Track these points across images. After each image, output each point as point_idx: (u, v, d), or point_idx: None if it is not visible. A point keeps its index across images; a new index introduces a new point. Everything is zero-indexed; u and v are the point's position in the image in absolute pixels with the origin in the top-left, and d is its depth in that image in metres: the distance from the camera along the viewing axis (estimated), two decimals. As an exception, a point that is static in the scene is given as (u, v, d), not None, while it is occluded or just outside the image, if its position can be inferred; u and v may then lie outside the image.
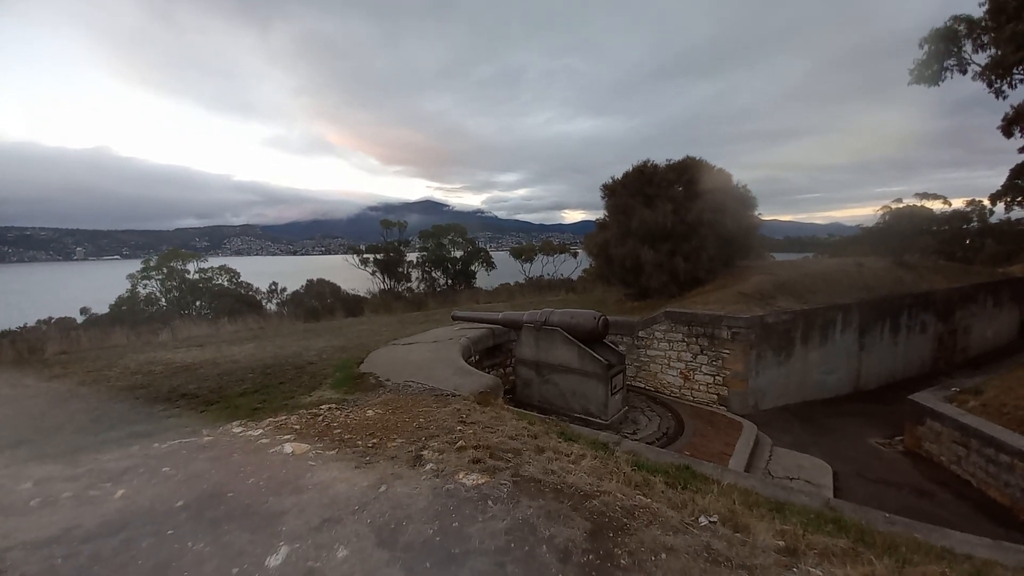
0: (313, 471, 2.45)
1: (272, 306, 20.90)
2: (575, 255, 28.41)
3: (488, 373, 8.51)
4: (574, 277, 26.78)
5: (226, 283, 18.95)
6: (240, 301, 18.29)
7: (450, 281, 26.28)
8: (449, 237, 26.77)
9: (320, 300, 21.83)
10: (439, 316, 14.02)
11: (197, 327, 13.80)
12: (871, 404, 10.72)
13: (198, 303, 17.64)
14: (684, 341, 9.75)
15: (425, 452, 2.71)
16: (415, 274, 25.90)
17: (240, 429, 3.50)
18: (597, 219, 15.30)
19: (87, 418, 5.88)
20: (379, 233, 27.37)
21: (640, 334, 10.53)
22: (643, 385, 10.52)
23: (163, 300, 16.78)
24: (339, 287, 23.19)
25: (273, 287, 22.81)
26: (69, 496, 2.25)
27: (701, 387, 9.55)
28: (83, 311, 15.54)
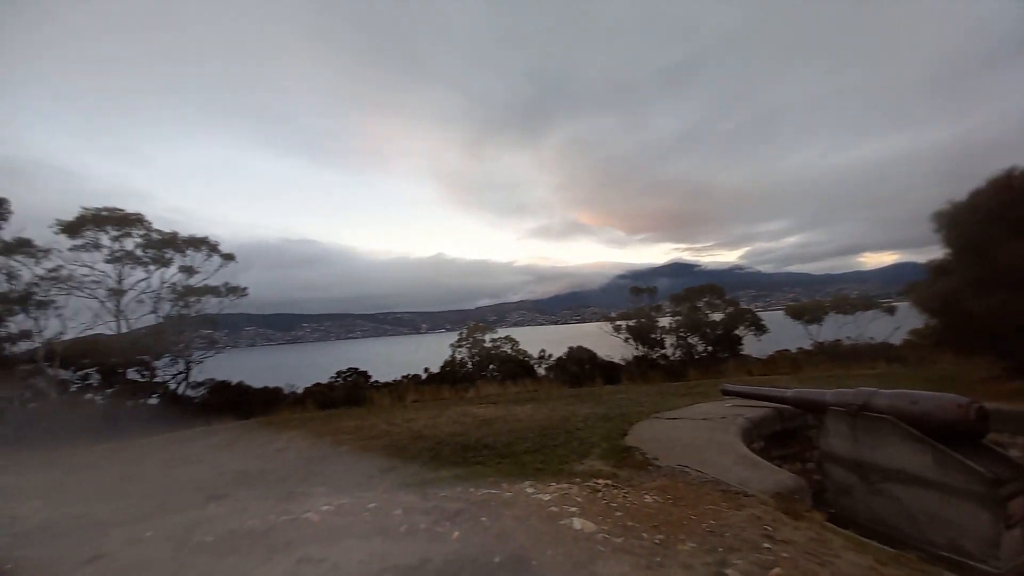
0: (604, 560, 2.44)
1: (542, 370, 23.58)
2: (891, 311, 21.06)
3: (780, 467, 6.93)
4: (895, 341, 19.65)
5: (509, 350, 22.79)
6: (519, 366, 21.52)
7: (710, 348, 23.68)
8: (705, 299, 24.59)
9: (579, 366, 23.31)
10: (703, 388, 12.67)
11: (491, 387, 16.99)
12: None
13: (491, 367, 21.78)
14: None
15: (729, 572, 2.31)
16: (669, 340, 24.62)
17: (532, 491, 3.89)
18: (929, 261, 11.11)
19: (429, 455, 7.83)
20: (628, 300, 27.76)
21: (1058, 436, 6.55)
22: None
23: (469, 364, 21.60)
24: (595, 354, 24.28)
25: (542, 354, 25.92)
26: (424, 528, 2.95)
27: None
28: (425, 370, 21.61)
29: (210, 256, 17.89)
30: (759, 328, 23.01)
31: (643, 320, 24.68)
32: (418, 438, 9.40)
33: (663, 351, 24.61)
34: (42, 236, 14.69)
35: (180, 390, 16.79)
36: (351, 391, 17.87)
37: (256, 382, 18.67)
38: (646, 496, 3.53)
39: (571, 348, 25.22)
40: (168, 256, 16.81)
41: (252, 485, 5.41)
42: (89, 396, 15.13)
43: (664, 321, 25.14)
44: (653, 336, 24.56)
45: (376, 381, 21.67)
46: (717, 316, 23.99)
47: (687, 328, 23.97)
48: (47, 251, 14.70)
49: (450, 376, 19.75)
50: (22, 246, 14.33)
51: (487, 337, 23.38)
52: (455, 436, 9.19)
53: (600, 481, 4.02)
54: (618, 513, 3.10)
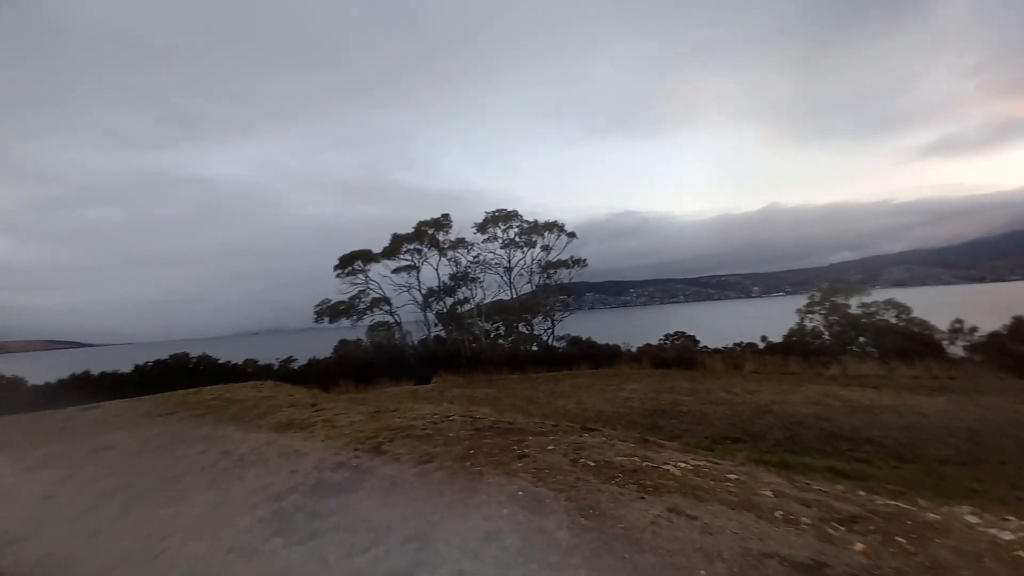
0: None
1: (958, 349, 16.40)
2: None
3: None
4: None
5: (893, 319, 16.91)
6: (913, 341, 15.70)
7: None
8: None
9: (1047, 347, 14.66)
10: None
11: (865, 365, 13.18)
12: None
13: (861, 339, 16.85)
14: None
15: None
16: None
17: (975, 520, 2.75)
18: None
19: (783, 435, 6.93)
20: None
21: None
22: None
23: (826, 334, 17.45)
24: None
25: (957, 325, 17.87)
26: (808, 523, 2.57)
27: None
28: (762, 339, 19.08)
29: (559, 236, 22.35)
30: None
31: None
32: (765, 413, 8.50)
33: None
34: (468, 235, 22.48)
35: (549, 341, 21.87)
36: (681, 353, 18.02)
37: (599, 339, 21.83)
38: None
39: (1018, 318, 16.17)
40: (534, 239, 22.16)
41: (612, 425, 6.36)
42: (500, 341, 22.07)
43: None
44: None
45: (705, 346, 20.91)
46: None
47: None
48: (471, 245, 22.39)
49: (798, 347, 16.58)
50: (460, 244, 22.20)
51: (853, 301, 18.11)
52: (817, 420, 7.75)
53: None
54: None
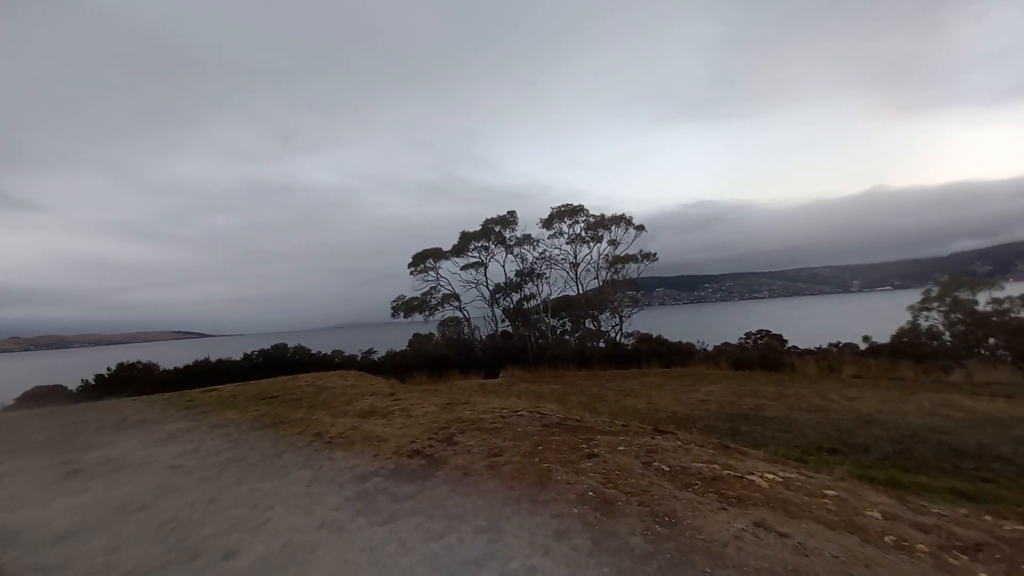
0: None
1: None
2: None
3: None
4: None
5: (1036, 318, 14.18)
6: (1062, 343, 13.09)
7: None
8: None
9: None
10: None
11: (996, 371, 11.20)
12: None
13: (991, 340, 14.34)
14: None
15: None
16: None
17: None
18: None
19: (891, 449, 6.12)
20: None
21: None
22: None
23: (947, 335, 15.05)
24: None
25: None
26: (924, 550, 2.24)
27: None
28: (865, 339, 16.96)
29: (627, 229, 21.55)
30: None
31: None
32: (868, 423, 7.58)
33: None
34: (534, 231, 22.55)
35: (617, 338, 21.26)
36: (765, 353, 16.59)
37: (670, 336, 20.81)
38: None
39: None
40: (600, 234, 21.60)
41: (687, 428, 6.04)
42: (567, 337, 21.89)
43: None
44: None
45: (794, 346, 19.05)
46: None
47: None
48: (537, 241, 22.36)
49: (911, 349, 14.50)
50: (526, 240, 22.29)
51: (981, 296, 15.43)
52: (934, 433, 6.76)
53: None
54: None
